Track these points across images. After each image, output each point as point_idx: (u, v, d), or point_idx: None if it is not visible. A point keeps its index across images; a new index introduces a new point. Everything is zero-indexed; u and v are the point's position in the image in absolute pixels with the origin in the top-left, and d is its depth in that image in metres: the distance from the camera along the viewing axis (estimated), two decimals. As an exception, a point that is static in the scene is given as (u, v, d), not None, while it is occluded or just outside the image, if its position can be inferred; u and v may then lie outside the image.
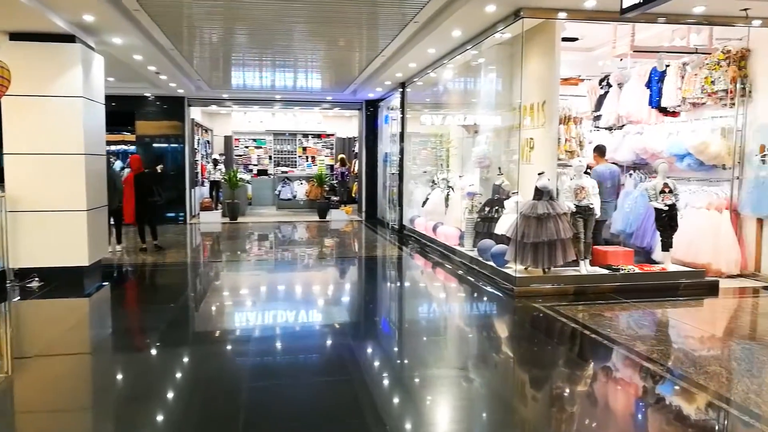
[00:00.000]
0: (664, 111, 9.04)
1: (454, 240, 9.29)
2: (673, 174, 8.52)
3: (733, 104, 7.92)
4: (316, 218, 15.75)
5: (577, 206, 7.00)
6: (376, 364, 4.66)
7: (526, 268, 7.00)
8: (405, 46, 9.34)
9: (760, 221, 7.72)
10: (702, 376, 4.13)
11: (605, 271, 7.10)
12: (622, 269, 7.13)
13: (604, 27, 8.26)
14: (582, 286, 6.87)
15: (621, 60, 9.47)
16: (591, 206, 7.03)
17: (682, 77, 8.49)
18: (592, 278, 6.95)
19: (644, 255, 8.32)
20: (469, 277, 7.88)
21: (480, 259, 7.98)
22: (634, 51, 7.60)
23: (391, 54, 10.00)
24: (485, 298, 7.01)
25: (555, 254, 6.80)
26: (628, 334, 5.23)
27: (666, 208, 7.18)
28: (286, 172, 19.03)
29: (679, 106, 8.61)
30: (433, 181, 11.35)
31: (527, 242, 6.83)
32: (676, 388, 4.09)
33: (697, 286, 7.09)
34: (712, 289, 7.09)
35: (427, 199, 11.22)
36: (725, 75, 7.79)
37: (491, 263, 7.57)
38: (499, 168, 8.37)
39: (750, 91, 7.78)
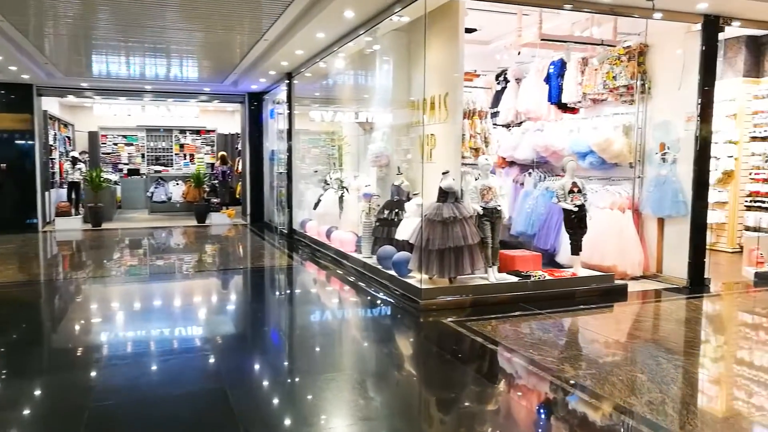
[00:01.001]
0: (563, 107, 8.73)
1: (350, 246, 8.41)
2: (575, 173, 8.20)
3: (633, 101, 7.70)
4: (195, 223, 14.23)
5: (484, 208, 6.37)
6: (253, 405, 3.65)
7: (430, 278, 6.26)
8: (291, 30, 8.31)
9: (661, 221, 7.54)
10: (623, 390, 3.55)
11: (515, 279, 6.54)
12: (533, 276, 6.60)
13: (503, 18, 7.76)
14: (492, 296, 6.24)
15: (519, 54, 9.07)
16: (499, 208, 6.43)
17: (583, 72, 8.19)
18: (502, 287, 6.34)
19: (547, 257, 7.91)
20: (367, 289, 7.03)
21: (380, 267, 7.15)
22: (542, 40, 7.11)
23: (275, 38, 8.92)
24: (386, 313, 6.19)
25: (462, 262, 6.12)
26: (543, 350, 4.61)
27: (575, 209, 6.75)
28: (160, 172, 17.20)
29: (579, 102, 8.31)
30: (326, 181, 10.41)
31: (432, 249, 6.09)
32: (591, 408, 3.47)
33: (607, 290, 6.73)
34: (621, 294, 6.76)
35: (319, 200, 10.25)
36: (626, 70, 7.53)
37: (392, 272, 6.76)
38: (399, 167, 7.60)
39: (649, 88, 7.59)
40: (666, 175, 7.33)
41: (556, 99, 8.64)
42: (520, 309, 5.98)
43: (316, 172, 11.66)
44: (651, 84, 7.57)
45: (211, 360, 4.66)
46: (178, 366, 4.48)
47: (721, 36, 7.05)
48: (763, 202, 9.63)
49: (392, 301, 6.42)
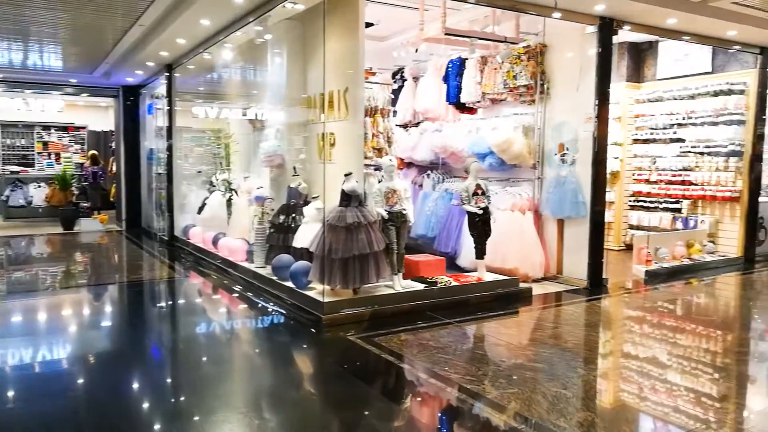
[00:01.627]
0: (461, 107, 8.56)
1: (240, 255, 7.67)
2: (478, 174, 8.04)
3: (533, 101, 7.65)
4: (60, 230, 12.66)
5: (389, 212, 5.94)
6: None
7: (333, 289, 5.74)
8: (170, 14, 7.42)
9: (560, 222, 7.54)
10: (540, 404, 3.27)
11: (421, 286, 6.17)
12: (439, 282, 6.28)
13: (402, 13, 7.42)
14: (398, 306, 5.83)
15: (416, 51, 8.79)
16: (404, 212, 6.04)
17: (482, 71, 8.04)
18: (408, 296, 5.95)
19: (448, 260, 7.65)
20: (261, 303, 6.37)
21: (275, 279, 6.51)
22: (447, 34, 6.82)
23: (153, 24, 7.97)
24: (283, 330, 5.58)
25: (368, 270, 5.66)
26: (453, 364, 4.26)
27: (480, 211, 6.52)
28: (17, 173, 15.22)
29: (479, 102, 8.16)
30: (211, 183, 9.54)
31: (335, 257, 5.57)
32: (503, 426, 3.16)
33: (513, 294, 6.56)
34: (527, 298, 6.62)
35: (204, 204, 9.37)
36: (526, 70, 7.45)
37: (290, 284, 6.16)
38: (295, 168, 6.99)
39: (548, 88, 7.56)
40: (565, 176, 7.32)
41: (454, 99, 8.45)
42: (428, 318, 5.62)
43: (199, 172, 10.71)
44: (550, 84, 7.54)
45: (67, 388, 3.82)
46: (23, 397, 3.62)
47: (615, 39, 7.15)
48: (645, 201, 10.06)
49: (290, 316, 5.83)
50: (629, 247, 9.69)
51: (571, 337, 5.24)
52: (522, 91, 7.59)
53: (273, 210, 7.08)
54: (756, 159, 8.87)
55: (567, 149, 7.33)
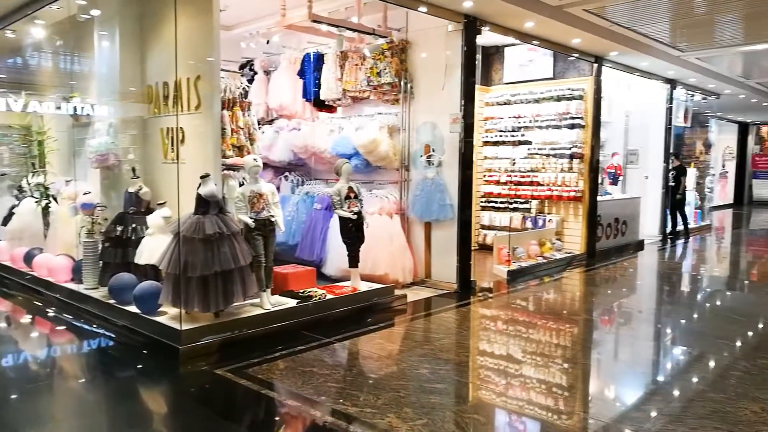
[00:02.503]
0: (320, 105, 8.00)
1: (64, 275, 6.34)
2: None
3: (397, 100, 7.33)
4: None
5: (255, 220, 5.19)
6: None
7: (188, 313, 4.85)
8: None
9: (428, 225, 7.30)
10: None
11: (293, 302, 5.50)
12: (313, 296, 5.65)
13: (253, 1, 6.70)
14: (269, 327, 5.10)
15: (268, 43, 8.07)
16: (272, 219, 5.32)
17: (342, 67, 7.56)
18: (280, 315, 5.25)
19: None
20: (96, 333, 5.24)
21: (114, 303, 5.39)
22: (314, 21, 6.18)
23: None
24: (129, 367, 4.59)
25: (232, 289, 4.86)
26: (346, 394, 3.72)
27: (354, 216, 6.01)
28: None
29: (339, 99, 7.66)
30: (20, 188, 7.90)
31: (193, 276, 4.70)
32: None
33: (390, 303, 6.16)
34: (403, 306, 6.27)
35: (11, 213, 7.73)
36: (390, 67, 7.11)
37: (135, 309, 5.11)
38: (134, 169, 5.89)
39: (411, 88, 7.28)
40: (432, 178, 7.10)
41: (312, 95, 7.87)
42: (305, 339, 4.98)
43: (3, 175, 8.90)
44: (413, 83, 7.28)
45: None
46: None
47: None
48: (496, 202, 10.29)
49: (136, 348, 4.82)
50: (483, 247, 9.87)
51: (457, 348, 4.94)
52: (386, 89, 7.24)
53: (106, 220, 5.92)
54: (596, 160, 9.47)
55: (433, 151, 7.12)
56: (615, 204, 10.30)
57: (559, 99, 9.49)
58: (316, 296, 5.64)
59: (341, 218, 6.05)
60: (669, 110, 11.91)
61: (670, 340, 5.47)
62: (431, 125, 7.11)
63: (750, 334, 5.50)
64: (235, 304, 4.98)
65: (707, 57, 10.05)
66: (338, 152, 7.41)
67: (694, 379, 4.26)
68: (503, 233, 8.89)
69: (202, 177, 4.90)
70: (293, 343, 4.84)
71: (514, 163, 9.85)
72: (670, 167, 12.01)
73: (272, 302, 5.34)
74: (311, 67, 7.86)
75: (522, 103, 9.93)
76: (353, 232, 6.06)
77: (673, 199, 12.13)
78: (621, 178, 11.48)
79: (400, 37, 7.26)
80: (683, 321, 6.16)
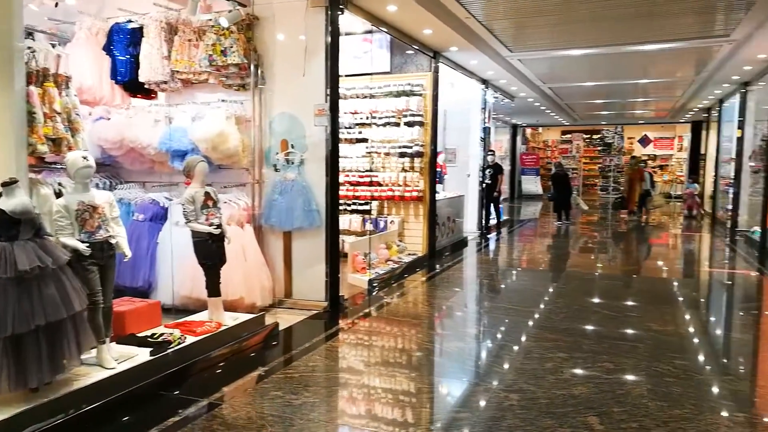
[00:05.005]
0: (135, 89, 6.36)
1: None
2: (170, 177, 6.04)
3: (245, 86, 6.08)
4: None
5: (88, 244, 3.63)
6: None
7: (-12, 391, 3.16)
8: None
9: (288, 235, 6.20)
10: None
11: (143, 351, 4.02)
12: (167, 340, 4.22)
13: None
14: (115, 396, 3.59)
15: (57, 5, 6.16)
16: (112, 241, 3.80)
17: (170, 42, 6.05)
18: (131, 375, 3.76)
19: (139, 296, 5.52)
20: None
21: None
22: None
23: None
24: None
25: (62, 349, 3.30)
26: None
27: (217, 231, 4.68)
28: None
29: (165, 82, 6.13)
30: None
31: (-2, 337, 3.05)
32: None
33: (259, 335, 4.96)
34: (274, 338, 5.11)
35: None
36: (238, 45, 5.83)
37: None
38: None
39: (262, 71, 6.09)
40: (293, 180, 6.02)
41: (126, 75, 6.19)
42: (169, 404, 3.62)
43: None
44: (265, 66, 6.09)
45: None
46: None
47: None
48: (349, 205, 9.44)
49: None
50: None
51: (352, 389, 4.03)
52: (232, 72, 5.94)
53: None
54: (435, 158, 9.21)
55: (292, 147, 6.04)
56: (447, 203, 10.22)
57: (398, 95, 9.01)
58: (174, 341, 4.22)
59: (196, 234, 4.67)
60: (483, 110, 12.31)
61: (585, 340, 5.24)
62: (289, 117, 6.02)
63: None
64: (67, 372, 3.40)
65: (526, 59, 10.49)
66: (170, 148, 5.90)
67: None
68: (359, 239, 8.12)
69: (4, 184, 3.23)
70: (157, 415, 3.45)
71: (372, 162, 9.12)
72: (487, 165, 12.45)
73: (115, 356, 3.82)
74: (124, 41, 6.17)
75: (358, 98, 9.25)
76: (214, 251, 4.73)
77: (490, 196, 12.61)
78: (445, 176, 11.53)
79: (246, 11, 6.02)
80: (572, 316, 6.04)
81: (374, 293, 6.93)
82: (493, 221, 13.25)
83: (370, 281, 7.20)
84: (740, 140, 12.81)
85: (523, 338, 5.19)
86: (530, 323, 5.69)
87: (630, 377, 4.17)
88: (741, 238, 11.86)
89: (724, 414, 3.61)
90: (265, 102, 6.11)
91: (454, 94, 11.28)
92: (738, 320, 6.49)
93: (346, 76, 9.11)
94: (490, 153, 12.81)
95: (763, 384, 4.37)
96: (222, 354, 4.44)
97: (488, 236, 12.34)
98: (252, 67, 5.94)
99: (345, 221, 9.18)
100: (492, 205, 13.04)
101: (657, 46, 9.39)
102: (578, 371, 4.28)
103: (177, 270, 5.53)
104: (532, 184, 26.55)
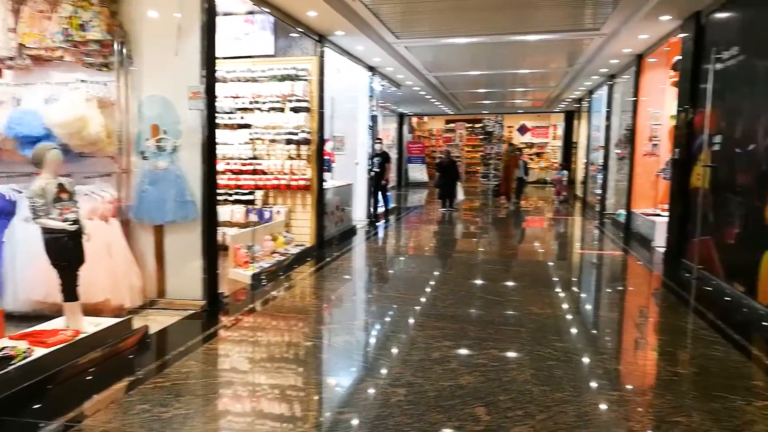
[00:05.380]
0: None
1: None
2: (22, 167, 5.34)
3: (108, 65, 5.49)
4: None
5: None
6: None
7: None
8: None
9: (159, 229, 5.71)
10: None
11: (-20, 370, 3.48)
12: (8, 355, 3.68)
13: None
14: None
15: None
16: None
17: (17, 13, 5.33)
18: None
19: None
20: None
21: None
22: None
23: None
24: None
25: None
26: None
27: (72, 227, 4.16)
28: None
29: (12, 59, 5.40)
30: None
31: None
32: None
33: (127, 347, 4.50)
34: (143, 343, 4.67)
35: None
36: (99, 20, 5.24)
37: None
38: None
39: (129, 50, 5.53)
40: (165, 169, 5.55)
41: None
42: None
43: None
44: (131, 45, 5.53)
45: None
46: None
47: None
48: (230, 194, 8.93)
49: None
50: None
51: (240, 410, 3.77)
52: (92, 50, 5.34)
53: None
54: (322, 146, 8.98)
55: (165, 133, 5.56)
56: (336, 191, 10.04)
57: (282, 79, 8.66)
58: (18, 355, 3.69)
59: (48, 231, 4.13)
60: (371, 98, 12.22)
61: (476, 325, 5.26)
62: (161, 100, 5.52)
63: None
64: None
65: (413, 47, 10.49)
66: (18, 134, 5.20)
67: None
68: (242, 231, 7.71)
69: None
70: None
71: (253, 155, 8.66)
72: (375, 154, 12.39)
73: (-55, 378, 3.27)
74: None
75: (240, 81, 8.79)
76: (69, 250, 4.21)
77: (378, 184, 12.58)
78: (334, 164, 11.32)
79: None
80: (456, 303, 6.09)
81: (259, 288, 6.62)
82: (381, 209, 13.27)
83: (254, 275, 6.86)
84: (608, 129, 13.73)
85: (411, 328, 5.14)
86: (417, 311, 5.67)
87: (514, 363, 4.22)
88: (609, 221, 12.73)
89: (600, 394, 3.74)
90: (133, 84, 5.56)
91: (341, 81, 11.08)
92: (607, 299, 6.89)
93: (226, 58, 8.67)
94: (378, 141, 12.77)
95: (631, 360, 4.61)
96: (81, 366, 3.97)
97: (377, 224, 12.33)
98: (117, 45, 5.37)
99: (226, 212, 8.74)
100: (380, 193, 13.03)
101: (533, 37, 9.75)
102: (465, 360, 4.28)
103: (28, 272, 4.90)
104: (418, 172, 27.06)
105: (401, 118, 26.22)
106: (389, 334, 5.06)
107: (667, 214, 8.83)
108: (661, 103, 10.57)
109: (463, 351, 4.48)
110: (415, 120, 29.01)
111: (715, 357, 4.39)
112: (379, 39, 9.54)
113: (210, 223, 5.68)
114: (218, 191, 8.54)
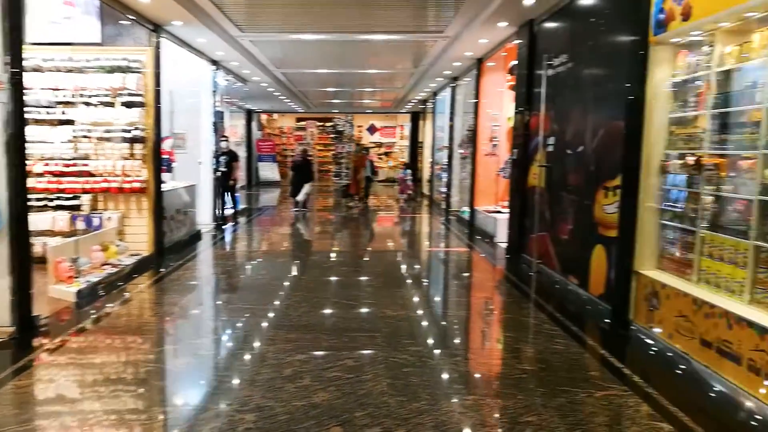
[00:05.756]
0: None
1: None
2: None
3: None
4: None
5: None
6: None
7: None
8: None
9: (-47, 244, 4.77)
10: None
11: None
12: None
13: None
14: None
15: None
16: None
17: None
18: None
19: None
20: None
21: None
22: None
23: None
24: None
25: None
26: None
27: None
28: None
29: None
30: None
31: None
32: None
33: None
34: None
35: None
36: None
37: None
38: None
39: None
40: (-42, 172, 4.64)
41: None
42: None
43: None
44: None
45: None
46: None
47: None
48: (31, 199, 7.80)
49: None
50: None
51: None
52: None
53: None
54: (160, 144, 8.25)
55: (-44, 129, 4.65)
56: (177, 193, 9.30)
57: (112, 71, 7.80)
58: None
59: None
60: (215, 93, 11.54)
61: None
62: (-51, 91, 4.61)
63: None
64: None
65: (258, 41, 10.03)
66: None
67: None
68: (65, 240, 6.77)
69: None
70: None
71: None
72: (221, 152, 11.73)
73: None
74: None
75: (60, 71, 7.76)
76: None
77: (225, 185, 11.93)
78: (174, 164, 10.50)
79: None
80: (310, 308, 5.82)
81: (86, 306, 5.85)
82: (229, 211, 12.62)
83: (80, 292, 6.06)
84: (451, 130, 14.30)
85: (260, 343, 4.80)
86: (268, 323, 5.34)
87: (370, 373, 4.07)
88: (454, 218, 13.26)
89: (456, 400, 3.71)
90: None
91: (182, 74, 10.29)
92: (457, 297, 7.08)
93: (41, 44, 7.63)
94: (223, 138, 12.11)
95: (483, 360, 4.70)
96: None
97: (225, 227, 11.69)
98: None
99: (47, 220, 7.69)
100: (228, 193, 12.38)
101: (380, 37, 9.78)
102: (319, 374, 4.05)
103: None
104: (269, 171, 26.38)
105: (249, 114, 25.37)
106: (236, 351, 4.68)
107: (507, 211, 9.32)
108: (499, 105, 11.17)
109: (317, 364, 4.25)
110: (264, 117, 28.25)
111: (557, 351, 4.61)
112: (222, 32, 8.98)
113: (20, 233, 4.87)
114: (36, 196, 7.57)
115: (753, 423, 3.36)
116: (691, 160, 4.48)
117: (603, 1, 6.09)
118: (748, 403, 3.46)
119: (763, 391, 3.39)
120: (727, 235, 4.03)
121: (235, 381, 3.99)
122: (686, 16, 4.38)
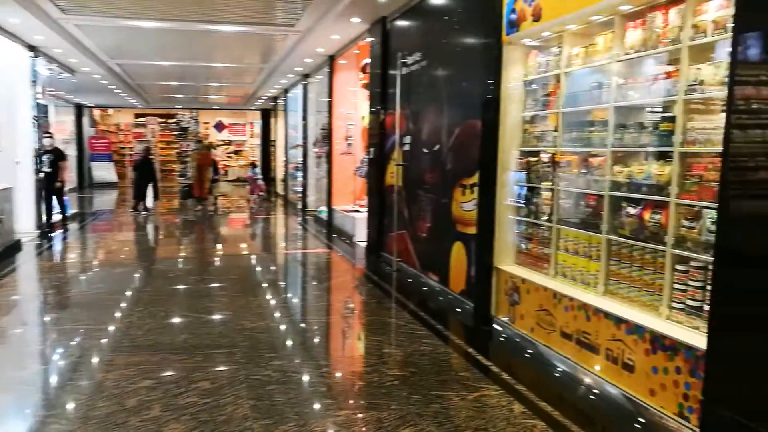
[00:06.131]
0: None
1: None
2: None
3: None
4: None
5: None
6: None
7: None
8: None
9: None
10: None
11: None
12: None
13: None
14: None
15: None
16: None
17: None
18: None
19: None
20: None
21: None
22: None
23: None
24: None
25: None
26: None
27: None
28: None
29: None
30: None
31: None
32: None
33: None
34: None
35: None
36: None
37: None
38: None
39: None
40: None
41: None
42: None
43: None
44: None
45: None
46: None
47: None
48: None
49: None
50: None
51: None
52: None
53: None
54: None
55: None
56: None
57: None
58: None
59: None
60: (35, 84, 10.13)
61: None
62: None
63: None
64: None
65: (86, 26, 8.93)
66: None
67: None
68: None
69: None
70: None
71: None
72: (44, 151, 10.32)
73: None
74: None
75: None
76: None
77: (51, 187, 10.53)
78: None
79: None
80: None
81: None
82: (57, 216, 11.17)
83: None
84: (304, 128, 13.98)
85: (97, 369, 4.15)
86: (106, 345, 4.66)
87: (230, 395, 3.65)
88: (311, 218, 12.97)
89: (327, 417, 3.44)
90: None
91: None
92: (318, 301, 6.81)
93: None
94: (48, 135, 10.67)
95: (352, 370, 4.47)
96: None
97: (51, 235, 10.32)
98: None
99: None
100: (55, 197, 10.95)
101: (227, 28, 9.18)
102: (170, 402, 3.55)
103: None
104: (104, 171, 24.09)
105: (80, 109, 22.96)
106: (67, 383, 3.99)
107: (365, 210, 9.23)
108: (353, 103, 11.07)
109: (168, 390, 3.73)
110: (98, 112, 25.76)
111: (425, 352, 4.51)
112: (40, 11, 7.83)
113: None
114: None
115: (613, 411, 3.49)
116: (545, 157, 4.61)
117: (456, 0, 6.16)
118: (613, 392, 3.58)
119: (621, 379, 3.53)
120: (580, 230, 4.19)
121: (64, 420, 3.36)
122: (537, 17, 4.49)
